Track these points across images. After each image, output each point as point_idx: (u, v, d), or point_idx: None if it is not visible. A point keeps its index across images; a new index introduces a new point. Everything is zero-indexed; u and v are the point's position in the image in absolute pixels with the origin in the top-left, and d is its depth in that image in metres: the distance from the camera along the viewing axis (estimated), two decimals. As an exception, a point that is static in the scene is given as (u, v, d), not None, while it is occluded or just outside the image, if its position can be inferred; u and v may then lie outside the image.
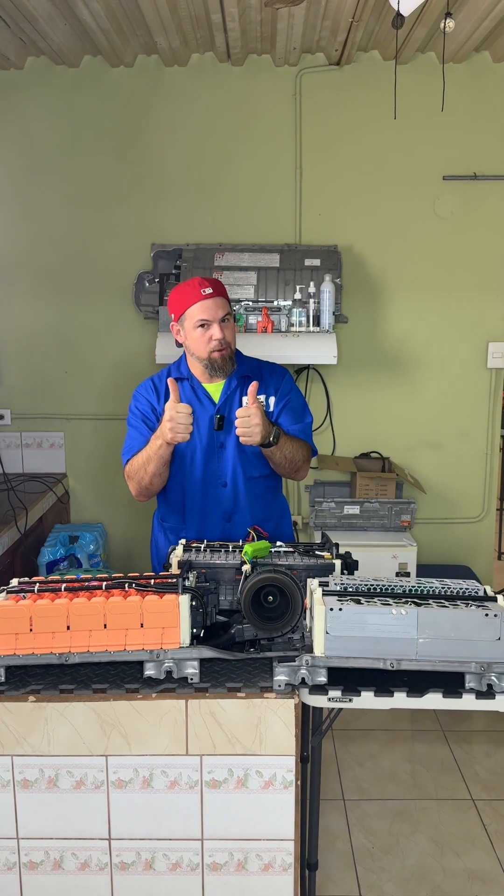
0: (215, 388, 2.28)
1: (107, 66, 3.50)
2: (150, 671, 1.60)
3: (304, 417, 2.36)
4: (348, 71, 3.51)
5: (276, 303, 3.41)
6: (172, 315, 2.24)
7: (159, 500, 2.39)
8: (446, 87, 3.07)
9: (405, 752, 3.09)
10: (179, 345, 2.29)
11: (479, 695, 1.56)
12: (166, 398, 2.26)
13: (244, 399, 2.26)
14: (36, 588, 1.65)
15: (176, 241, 3.58)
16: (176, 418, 2.04)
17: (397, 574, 3.35)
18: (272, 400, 2.31)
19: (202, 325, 2.17)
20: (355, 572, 1.84)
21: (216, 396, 2.27)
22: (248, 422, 2.07)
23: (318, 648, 1.55)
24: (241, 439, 2.11)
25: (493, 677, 1.55)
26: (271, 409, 2.30)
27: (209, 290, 2.16)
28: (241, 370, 2.30)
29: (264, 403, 2.28)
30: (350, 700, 1.58)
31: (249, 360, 2.37)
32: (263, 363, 2.38)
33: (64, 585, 1.66)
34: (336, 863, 2.46)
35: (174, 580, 1.65)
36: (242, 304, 3.39)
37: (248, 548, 1.77)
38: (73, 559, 3.38)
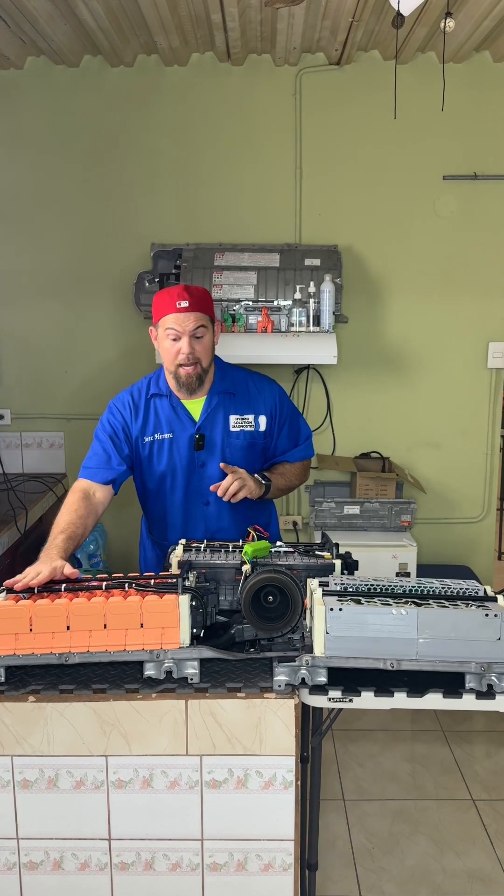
0: (195, 406, 2.20)
1: (107, 66, 3.50)
2: (150, 671, 1.59)
3: (303, 434, 2.33)
4: (348, 71, 3.51)
5: (276, 303, 3.41)
6: (153, 319, 2.17)
7: (143, 511, 2.37)
8: (446, 87, 3.06)
9: (405, 753, 3.09)
10: None
11: (479, 695, 1.56)
12: (145, 416, 2.20)
13: (231, 419, 2.21)
14: (36, 588, 1.65)
15: (176, 241, 3.58)
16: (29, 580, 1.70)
17: (397, 574, 3.35)
18: (262, 419, 2.22)
19: (172, 338, 2.10)
20: (355, 572, 1.83)
21: (196, 414, 2.20)
22: (238, 484, 2.08)
23: (318, 648, 1.55)
24: (234, 498, 2.10)
25: (493, 677, 1.55)
26: (261, 428, 2.23)
27: (184, 304, 2.06)
28: (224, 385, 2.21)
29: (252, 423, 2.22)
30: (350, 700, 1.58)
31: (234, 371, 2.27)
32: (250, 376, 2.28)
33: (64, 585, 1.67)
34: (336, 863, 2.46)
35: (174, 580, 1.65)
36: (242, 304, 3.39)
37: (248, 548, 1.77)
38: (73, 559, 3.37)
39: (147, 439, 2.20)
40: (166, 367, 2.17)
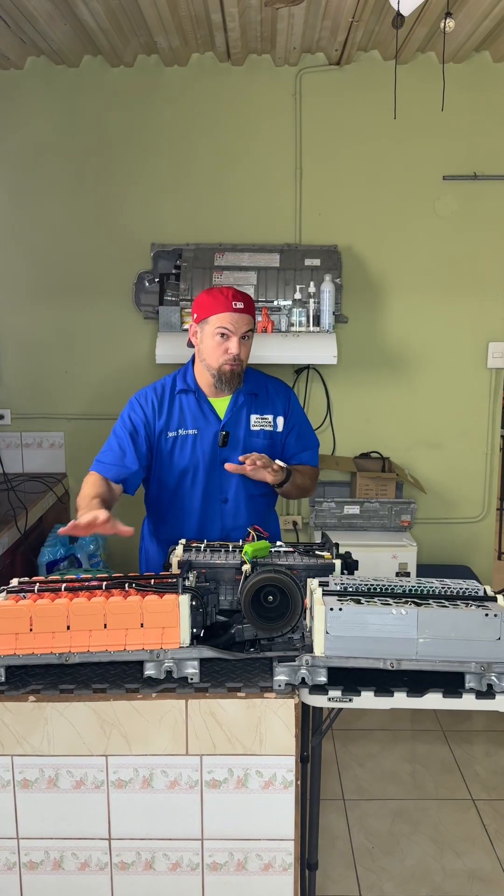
0: (221, 403, 2.25)
1: (107, 66, 3.50)
2: (150, 671, 1.59)
3: (312, 441, 2.38)
4: (348, 71, 3.51)
5: (276, 303, 3.41)
6: (195, 315, 2.21)
7: (152, 510, 2.36)
8: (446, 87, 3.06)
9: (405, 752, 3.09)
10: (191, 345, 2.27)
11: (479, 695, 1.56)
12: (169, 411, 2.24)
13: (252, 418, 2.26)
14: (36, 588, 1.65)
15: (176, 241, 3.58)
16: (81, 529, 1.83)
17: (397, 574, 3.35)
18: (280, 420, 2.29)
19: (222, 335, 2.15)
20: (355, 572, 1.84)
21: (221, 412, 2.25)
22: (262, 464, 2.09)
23: (318, 648, 1.55)
24: (254, 472, 2.10)
25: (493, 677, 1.55)
26: (279, 429, 2.29)
27: (240, 305, 2.15)
28: (248, 387, 2.28)
29: (271, 423, 2.28)
30: (350, 700, 1.58)
31: (255, 373, 2.35)
32: (269, 378, 2.37)
33: (64, 585, 1.66)
34: (336, 863, 2.46)
35: (174, 580, 1.66)
36: (242, 304, 3.39)
37: (248, 548, 1.77)
38: (73, 559, 3.38)
39: (171, 434, 2.23)
40: (209, 364, 2.20)
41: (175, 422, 2.23)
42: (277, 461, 2.17)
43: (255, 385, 2.30)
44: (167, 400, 2.25)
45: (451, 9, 2.65)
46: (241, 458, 2.09)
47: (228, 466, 2.14)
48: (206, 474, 2.23)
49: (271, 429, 2.27)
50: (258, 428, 2.26)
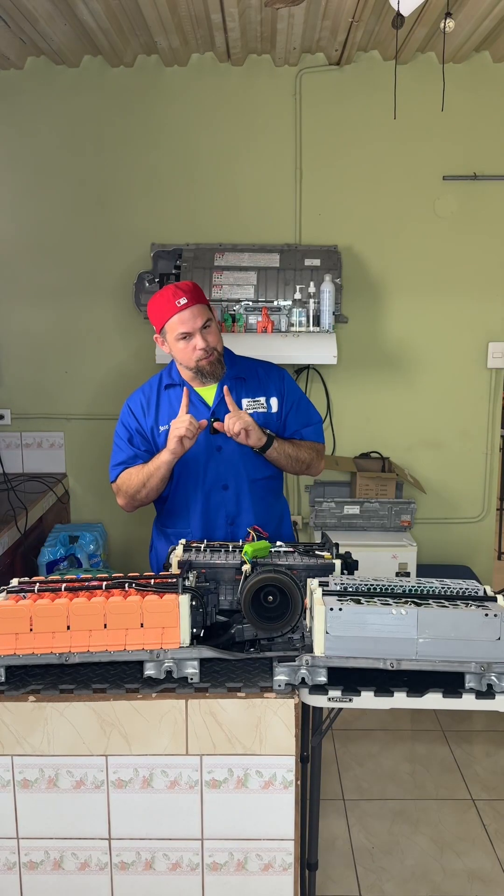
0: (208, 392, 2.26)
1: (107, 66, 3.50)
2: (150, 671, 1.60)
3: (313, 417, 2.37)
4: (348, 71, 3.51)
5: (276, 303, 3.41)
6: (155, 327, 2.21)
7: (159, 506, 2.37)
8: (446, 87, 3.07)
9: (405, 752, 3.09)
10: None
11: (479, 695, 1.56)
12: (157, 407, 2.26)
13: (244, 402, 2.26)
14: (36, 588, 1.65)
15: (176, 241, 3.58)
16: (178, 430, 2.07)
17: (397, 574, 3.35)
18: (273, 401, 2.29)
19: (184, 338, 2.15)
20: (355, 572, 1.84)
21: (210, 400, 2.25)
22: (237, 421, 2.09)
23: (318, 648, 1.55)
24: (237, 438, 2.11)
25: (493, 677, 1.55)
26: (273, 410, 2.29)
27: (184, 301, 2.11)
28: (234, 371, 2.28)
29: (264, 405, 2.28)
30: (350, 700, 1.58)
31: (242, 360, 2.34)
32: (259, 363, 2.36)
33: (64, 585, 1.66)
34: (336, 863, 2.46)
35: (174, 580, 1.66)
36: (242, 304, 3.39)
37: (248, 548, 1.77)
38: (73, 559, 3.38)
39: (163, 428, 2.24)
40: (186, 365, 2.21)
41: (165, 416, 2.25)
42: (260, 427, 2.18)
43: (241, 369, 2.30)
44: (155, 397, 2.28)
45: (451, 9, 2.65)
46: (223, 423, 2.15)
47: (217, 425, 2.15)
48: (202, 463, 2.24)
49: (265, 410, 2.28)
50: (252, 411, 2.26)
